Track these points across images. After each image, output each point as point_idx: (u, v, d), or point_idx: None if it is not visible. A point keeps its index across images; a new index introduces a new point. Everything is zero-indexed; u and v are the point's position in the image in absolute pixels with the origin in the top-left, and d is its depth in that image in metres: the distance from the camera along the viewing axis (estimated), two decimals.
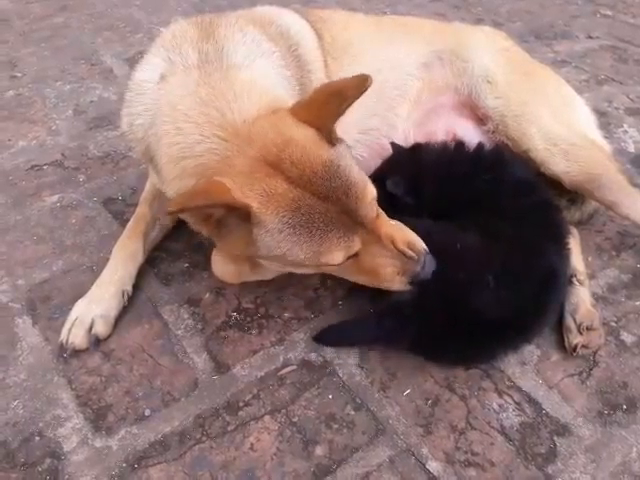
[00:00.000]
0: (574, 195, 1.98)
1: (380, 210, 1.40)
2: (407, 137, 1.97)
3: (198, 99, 1.40)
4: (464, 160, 1.72)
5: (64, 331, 1.72)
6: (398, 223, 1.44)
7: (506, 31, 3.29)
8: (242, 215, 1.29)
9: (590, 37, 3.53)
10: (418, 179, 1.67)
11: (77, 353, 1.70)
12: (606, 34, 3.56)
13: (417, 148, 1.82)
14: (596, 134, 2.02)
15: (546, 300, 1.55)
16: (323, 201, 1.29)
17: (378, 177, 1.61)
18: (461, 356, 1.59)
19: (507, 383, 1.63)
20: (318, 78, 1.81)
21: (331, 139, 1.35)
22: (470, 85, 1.97)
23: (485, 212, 1.60)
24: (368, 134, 1.96)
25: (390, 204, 1.59)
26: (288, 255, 1.34)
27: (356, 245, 1.34)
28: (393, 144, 1.85)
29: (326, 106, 1.32)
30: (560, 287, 1.61)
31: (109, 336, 1.75)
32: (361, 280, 1.47)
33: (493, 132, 1.93)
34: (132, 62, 3.25)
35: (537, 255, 1.56)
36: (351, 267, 1.40)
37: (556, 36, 3.57)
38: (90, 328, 1.72)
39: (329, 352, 1.70)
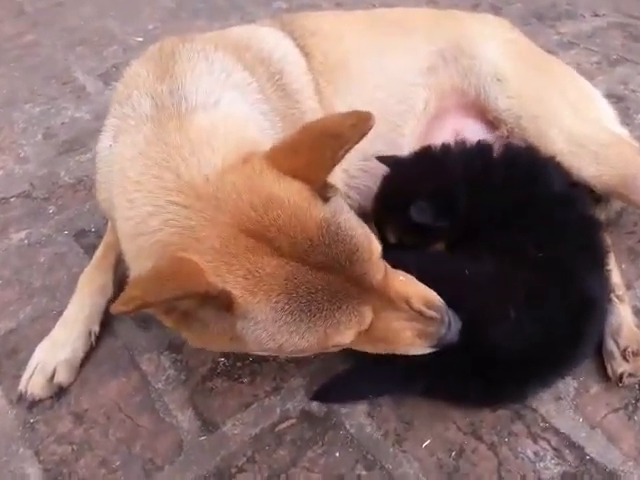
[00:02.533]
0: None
1: (386, 264, 1.14)
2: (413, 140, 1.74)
3: (148, 160, 1.13)
4: (497, 164, 1.47)
5: (23, 379, 1.53)
6: (406, 275, 1.18)
7: (505, 14, 3.08)
8: (220, 305, 1.02)
9: (596, 15, 3.27)
10: (447, 194, 1.42)
11: (45, 415, 1.50)
12: (613, 11, 3.30)
13: (430, 155, 1.55)
14: (621, 129, 1.79)
15: (583, 331, 1.32)
16: (324, 273, 1.02)
17: (386, 203, 1.37)
18: (484, 397, 1.36)
19: (542, 424, 1.39)
20: (310, 108, 1.56)
21: (324, 193, 1.08)
22: (478, 85, 1.73)
23: (515, 231, 1.37)
24: (373, 160, 1.66)
25: (414, 234, 1.37)
26: (286, 347, 1.07)
27: (368, 317, 1.09)
28: (383, 158, 1.59)
29: (317, 152, 1.03)
30: (600, 317, 1.38)
31: (72, 383, 1.57)
32: (376, 349, 1.21)
33: (507, 137, 1.69)
34: (106, 77, 3.04)
35: (572, 281, 1.33)
36: (364, 339, 1.14)
37: (560, 16, 3.31)
38: (52, 376, 1.52)
39: None
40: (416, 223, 1.38)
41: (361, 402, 1.46)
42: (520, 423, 1.40)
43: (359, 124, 1.00)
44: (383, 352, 1.20)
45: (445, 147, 1.55)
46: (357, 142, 1.01)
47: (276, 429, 1.43)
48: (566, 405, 1.43)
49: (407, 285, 1.15)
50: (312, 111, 1.54)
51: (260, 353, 1.29)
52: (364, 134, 1.00)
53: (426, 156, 1.56)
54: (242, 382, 1.53)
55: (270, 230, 1.00)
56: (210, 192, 1.04)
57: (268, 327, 1.04)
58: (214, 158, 1.09)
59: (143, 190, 1.11)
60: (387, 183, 1.56)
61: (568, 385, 1.46)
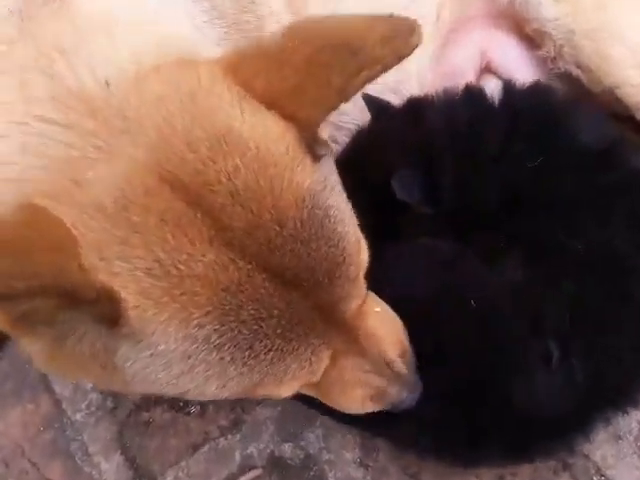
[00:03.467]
0: None
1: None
2: (422, 85, 1.22)
3: (8, 64, 0.67)
4: (490, 122, 0.97)
5: None
6: (381, 304, 0.77)
7: None
8: (97, 312, 0.57)
9: None
10: (431, 165, 0.94)
11: None
12: None
13: (416, 106, 1.03)
14: None
15: None
16: (287, 289, 0.61)
17: (354, 168, 0.87)
18: (511, 456, 0.96)
19: (595, 478, 1.03)
20: (272, 11, 1.03)
21: (314, 146, 0.66)
22: None
23: (538, 215, 0.92)
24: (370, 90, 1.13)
25: (388, 218, 0.92)
26: (193, 394, 0.66)
27: (324, 365, 0.69)
28: (371, 100, 1.04)
29: (317, 74, 0.61)
30: None
31: None
32: (312, 394, 0.79)
33: (554, 59, 1.18)
34: None
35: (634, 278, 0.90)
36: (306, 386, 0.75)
37: None
38: None
39: (313, 441, 1.08)
40: (390, 200, 0.91)
41: (350, 444, 1.07)
42: (566, 475, 1.03)
43: (395, 38, 0.60)
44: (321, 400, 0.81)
45: (427, 99, 1.04)
46: (389, 68, 0.61)
47: None
48: (627, 448, 1.06)
49: (383, 322, 0.76)
50: (274, 16, 1.02)
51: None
52: (402, 56, 0.60)
53: (412, 110, 1.04)
54: (189, 413, 1.13)
55: (215, 192, 0.58)
56: (113, 106, 0.61)
57: (172, 364, 0.61)
58: (119, 53, 0.66)
59: None
60: (361, 138, 1.06)
61: (630, 419, 1.07)
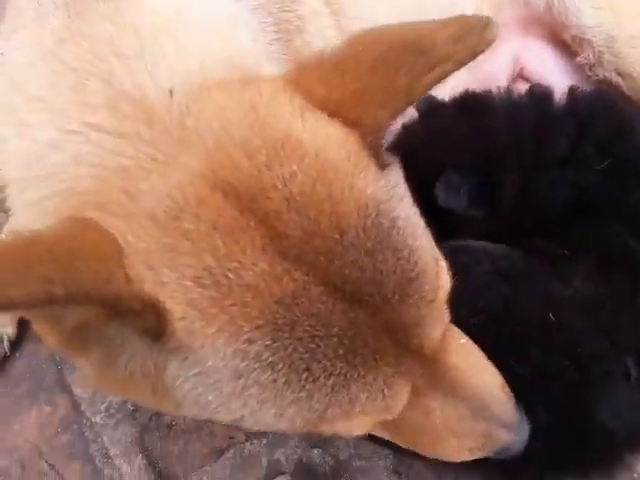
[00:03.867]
0: None
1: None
2: (455, 90, 1.20)
3: (58, 65, 0.66)
4: (558, 124, 0.95)
5: None
6: (469, 343, 0.68)
7: None
8: (144, 327, 0.54)
9: None
10: (489, 165, 0.91)
11: None
12: None
13: (473, 103, 1.00)
14: None
15: None
16: (348, 305, 0.55)
17: (404, 168, 0.85)
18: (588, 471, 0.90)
19: None
20: (313, 10, 1.01)
21: (379, 154, 0.63)
22: None
23: (605, 224, 0.89)
24: None
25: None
26: (249, 422, 0.59)
27: (402, 400, 0.60)
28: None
29: (383, 76, 0.58)
30: None
31: None
32: (394, 440, 0.71)
33: (593, 66, 1.17)
34: None
35: None
36: (381, 426, 0.66)
37: None
38: None
39: (343, 447, 1.04)
40: (437, 205, 0.88)
41: (384, 452, 1.02)
42: None
43: (468, 34, 0.57)
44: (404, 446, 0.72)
45: (488, 96, 1.02)
46: (462, 64, 0.58)
47: None
48: None
49: (471, 355, 0.67)
50: (314, 16, 1.01)
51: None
52: (477, 52, 0.58)
53: (467, 105, 1.02)
54: None
55: (270, 199, 0.54)
56: (174, 116, 0.59)
57: (222, 383, 0.56)
58: (187, 64, 0.63)
59: (47, 109, 0.64)
60: (408, 135, 1.03)
61: None
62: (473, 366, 0.65)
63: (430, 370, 0.61)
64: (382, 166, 0.60)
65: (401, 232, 0.57)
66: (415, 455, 0.71)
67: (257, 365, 0.53)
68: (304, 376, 0.54)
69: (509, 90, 1.02)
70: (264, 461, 1.03)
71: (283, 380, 0.54)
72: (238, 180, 0.54)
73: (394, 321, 0.56)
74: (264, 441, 1.05)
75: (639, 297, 0.83)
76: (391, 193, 0.59)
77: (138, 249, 0.53)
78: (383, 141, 0.63)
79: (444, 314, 0.62)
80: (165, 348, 0.54)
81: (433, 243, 0.62)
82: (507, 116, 0.95)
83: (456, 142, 0.93)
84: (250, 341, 0.53)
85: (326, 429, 0.60)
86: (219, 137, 0.56)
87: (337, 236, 0.54)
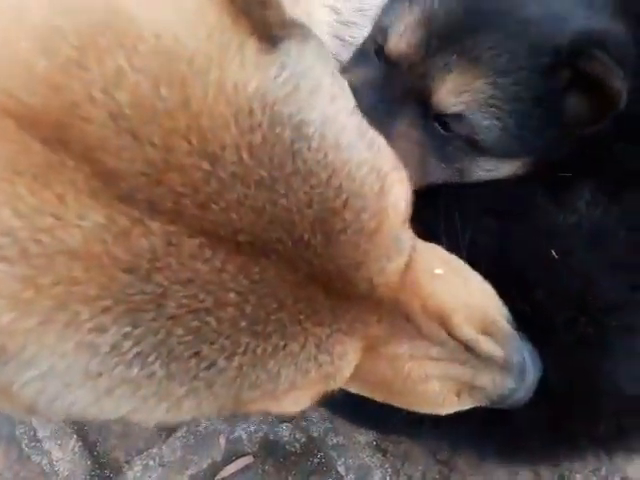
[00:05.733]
0: None
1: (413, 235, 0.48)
2: None
3: None
4: None
5: None
6: (447, 260, 0.53)
7: None
8: None
9: None
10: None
11: None
12: None
13: None
14: None
15: None
16: (249, 258, 0.37)
17: None
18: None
19: None
20: None
21: (266, 22, 0.40)
22: None
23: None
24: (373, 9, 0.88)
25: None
26: (144, 419, 0.42)
27: (348, 364, 0.44)
28: None
29: None
30: None
31: None
32: (374, 396, 0.55)
33: None
34: None
35: None
36: (346, 385, 0.49)
37: None
38: None
39: (316, 421, 0.87)
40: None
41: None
42: None
43: None
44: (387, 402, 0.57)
45: None
46: None
47: (218, 476, 0.83)
48: None
49: (451, 288, 0.53)
50: None
51: None
52: None
53: None
54: None
55: (89, 119, 0.34)
56: None
57: (76, 386, 0.39)
58: None
59: None
60: None
61: None
62: (453, 302, 0.51)
63: (390, 315, 0.46)
64: (272, 42, 0.40)
65: (314, 144, 0.40)
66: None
67: (117, 360, 0.37)
68: (193, 363, 0.38)
69: None
70: (222, 440, 0.87)
71: (162, 373, 0.38)
72: (34, 94, 0.34)
73: (322, 269, 0.40)
74: (222, 417, 0.88)
75: None
76: (291, 85, 0.40)
77: None
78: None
79: (402, 241, 0.45)
80: None
81: (382, 149, 0.44)
82: None
83: None
84: (97, 330, 0.36)
85: (254, 410, 0.45)
86: (3, 26, 0.35)
87: (206, 166, 0.36)
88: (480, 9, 0.62)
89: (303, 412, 0.87)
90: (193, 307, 0.37)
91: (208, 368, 0.38)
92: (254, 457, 0.86)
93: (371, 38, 0.73)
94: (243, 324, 0.38)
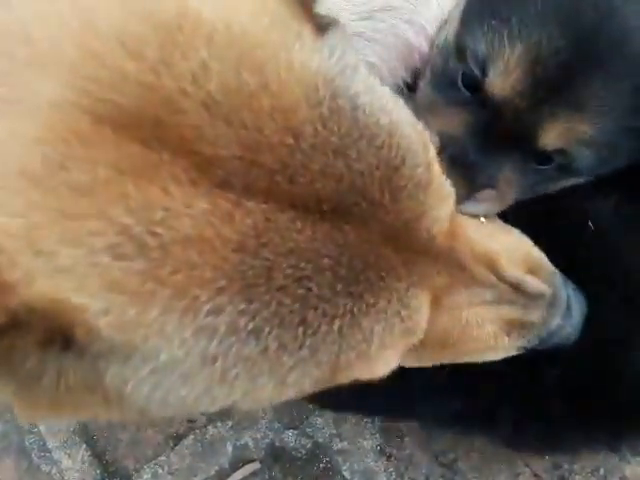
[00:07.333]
0: None
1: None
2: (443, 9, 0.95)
3: None
4: None
5: None
6: (492, 220, 0.60)
7: None
8: (45, 339, 0.37)
9: None
10: None
11: None
12: None
13: None
14: None
15: None
16: (332, 225, 0.41)
17: None
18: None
19: None
20: None
21: (313, 9, 0.45)
22: None
23: None
24: (377, 19, 0.85)
25: None
26: (247, 404, 0.43)
27: (422, 316, 0.47)
28: None
29: None
30: None
31: None
32: (424, 362, 0.60)
33: None
34: None
35: None
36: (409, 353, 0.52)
37: None
38: None
39: (321, 427, 0.88)
40: None
41: (368, 429, 0.87)
42: None
43: None
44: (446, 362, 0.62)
45: None
46: None
47: None
48: None
49: (492, 232, 0.59)
50: None
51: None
52: None
53: None
54: None
55: (182, 113, 0.37)
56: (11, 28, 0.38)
57: (192, 375, 0.41)
58: None
59: None
60: None
61: None
62: (496, 245, 0.55)
63: (447, 265, 0.50)
64: (322, 30, 0.44)
65: (368, 111, 0.44)
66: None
67: (234, 339, 0.40)
68: (300, 331, 0.41)
69: None
70: (229, 447, 0.88)
71: (275, 346, 0.41)
72: (126, 97, 0.37)
73: (391, 225, 0.44)
74: (229, 423, 0.90)
75: None
76: (341, 64, 0.44)
77: (10, 230, 0.36)
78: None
79: (446, 186, 0.49)
80: (89, 353, 0.38)
81: (405, 109, 0.48)
82: None
83: None
84: (215, 312, 0.39)
85: (344, 378, 0.48)
86: (80, 37, 0.37)
87: (290, 141, 0.39)
88: (590, 51, 0.59)
89: (307, 418, 0.89)
90: (297, 275, 0.40)
91: (314, 334, 0.41)
92: (261, 463, 0.87)
93: (453, 60, 0.66)
94: (339, 287, 0.41)
